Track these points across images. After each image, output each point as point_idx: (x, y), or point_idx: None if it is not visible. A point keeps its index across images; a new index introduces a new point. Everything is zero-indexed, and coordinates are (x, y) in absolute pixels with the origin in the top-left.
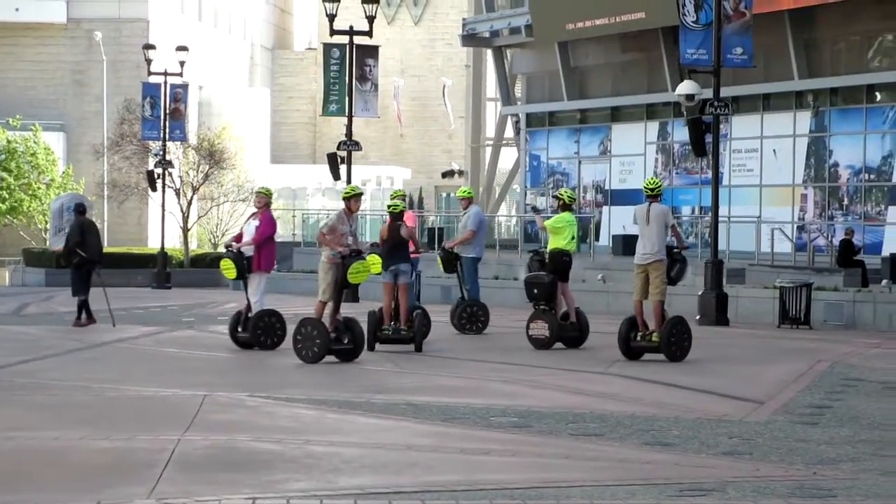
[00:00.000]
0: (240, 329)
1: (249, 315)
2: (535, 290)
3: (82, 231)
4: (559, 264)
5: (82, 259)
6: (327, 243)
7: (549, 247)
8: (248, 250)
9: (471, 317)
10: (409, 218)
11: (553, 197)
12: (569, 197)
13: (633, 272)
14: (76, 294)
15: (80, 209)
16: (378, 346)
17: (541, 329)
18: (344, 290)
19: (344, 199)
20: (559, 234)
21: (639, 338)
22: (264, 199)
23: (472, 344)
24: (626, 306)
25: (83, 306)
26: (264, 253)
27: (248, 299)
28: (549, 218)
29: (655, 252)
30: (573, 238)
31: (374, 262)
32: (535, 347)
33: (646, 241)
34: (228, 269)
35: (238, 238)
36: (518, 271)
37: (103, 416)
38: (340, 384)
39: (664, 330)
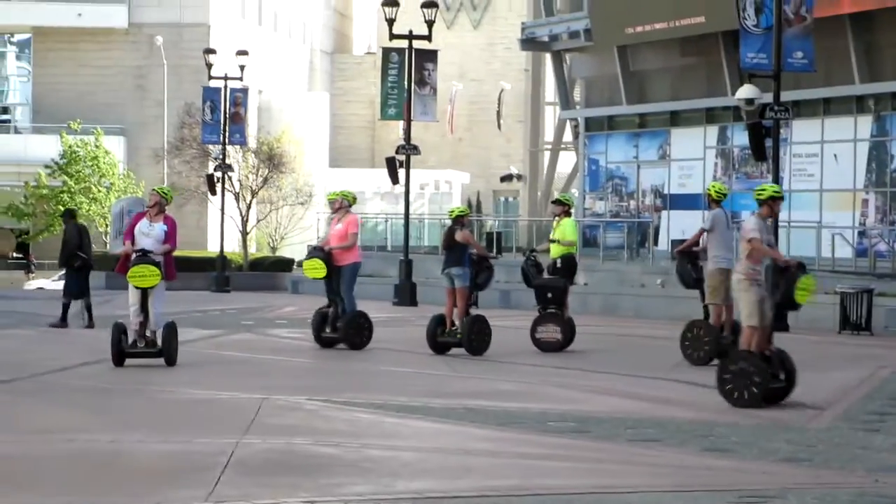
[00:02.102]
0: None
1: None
2: (550, 294)
3: (80, 235)
4: (572, 269)
5: (84, 262)
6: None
7: (555, 251)
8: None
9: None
10: (352, 222)
11: (553, 202)
12: (570, 202)
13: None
14: (74, 297)
15: (71, 214)
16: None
17: (552, 332)
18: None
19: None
20: (566, 239)
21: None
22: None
23: (529, 348)
24: (685, 311)
25: (68, 308)
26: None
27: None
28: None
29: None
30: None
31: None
32: (543, 350)
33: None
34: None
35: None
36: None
37: (161, 419)
38: (398, 388)
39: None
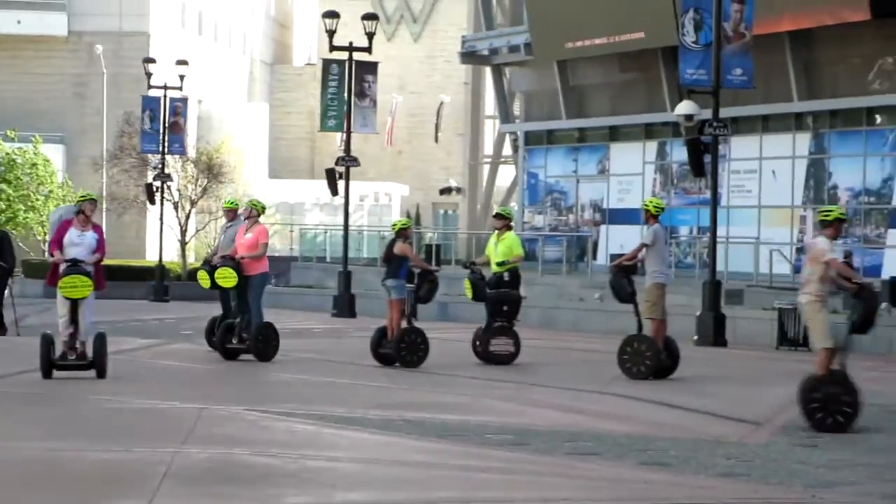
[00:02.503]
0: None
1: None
2: (506, 307)
3: (0, 242)
4: (518, 281)
5: (3, 270)
6: None
7: (496, 263)
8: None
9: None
10: (262, 232)
11: (494, 216)
12: (511, 215)
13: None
14: None
15: None
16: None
17: (506, 345)
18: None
19: None
20: (510, 252)
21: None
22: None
23: (468, 360)
24: (623, 325)
25: None
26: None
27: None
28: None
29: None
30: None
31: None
32: (495, 363)
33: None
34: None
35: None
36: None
37: (100, 427)
38: (337, 399)
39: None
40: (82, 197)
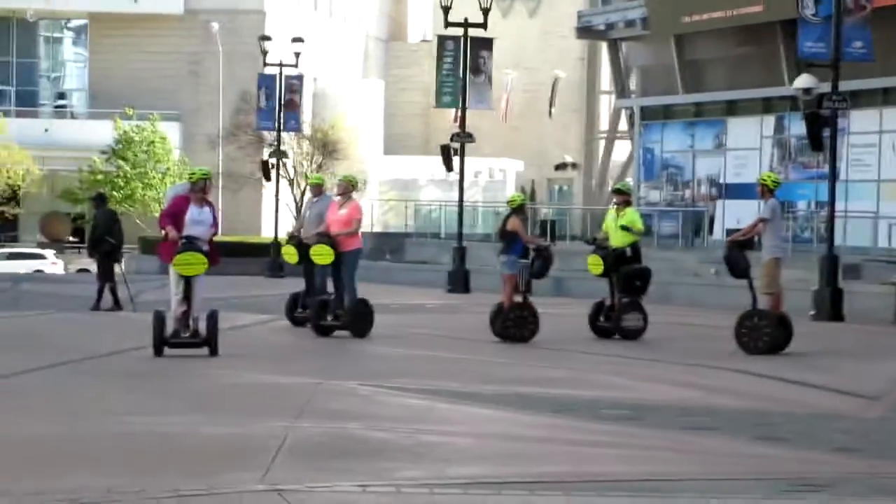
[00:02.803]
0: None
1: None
2: (639, 283)
3: (110, 220)
4: (640, 256)
5: (112, 247)
6: None
7: (621, 240)
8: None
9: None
10: (356, 208)
11: (614, 191)
12: (631, 191)
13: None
14: (105, 281)
15: (102, 199)
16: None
17: (637, 320)
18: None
19: None
20: (636, 227)
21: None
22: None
23: (582, 335)
24: (739, 300)
25: (104, 292)
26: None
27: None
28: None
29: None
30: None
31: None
32: (628, 339)
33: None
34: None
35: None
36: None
37: (214, 402)
38: (450, 374)
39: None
40: (200, 174)
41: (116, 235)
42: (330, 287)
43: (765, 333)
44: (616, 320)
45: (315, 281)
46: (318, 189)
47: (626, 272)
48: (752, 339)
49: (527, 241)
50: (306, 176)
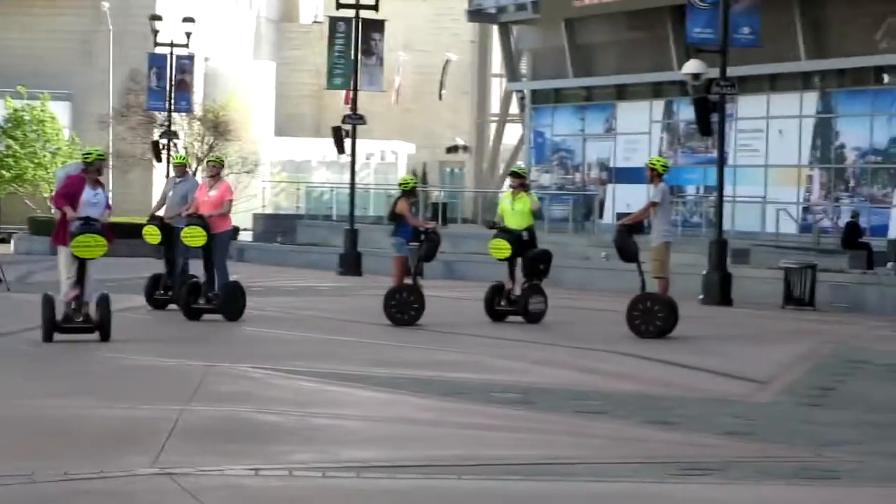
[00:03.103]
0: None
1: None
2: (542, 266)
3: None
4: (535, 240)
5: None
6: None
7: (519, 223)
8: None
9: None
10: (227, 189)
11: (510, 175)
12: (527, 174)
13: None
14: None
15: None
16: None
17: (540, 303)
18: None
19: None
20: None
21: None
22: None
23: (474, 319)
24: (629, 284)
25: None
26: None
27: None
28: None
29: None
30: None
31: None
32: (532, 322)
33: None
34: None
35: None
36: None
37: (106, 385)
38: (343, 357)
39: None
40: (97, 155)
41: None
42: (198, 271)
43: (657, 318)
44: (523, 304)
45: (178, 262)
46: (181, 169)
47: (532, 256)
48: (644, 322)
49: (413, 224)
50: (197, 157)
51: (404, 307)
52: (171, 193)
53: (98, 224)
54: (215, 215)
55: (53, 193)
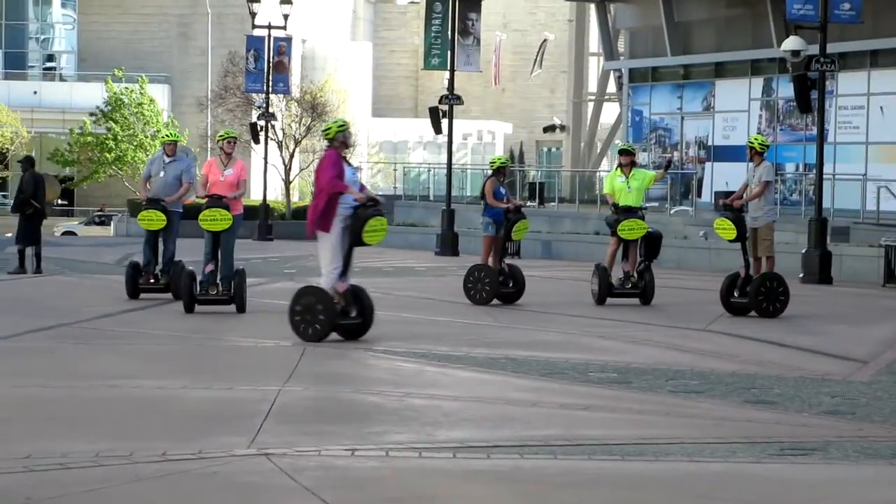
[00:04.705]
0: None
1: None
2: (653, 247)
3: (36, 184)
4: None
5: (36, 210)
6: None
7: (634, 201)
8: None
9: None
10: (244, 168)
11: (620, 152)
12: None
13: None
14: (24, 243)
15: (30, 162)
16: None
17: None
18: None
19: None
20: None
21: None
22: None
23: (571, 299)
24: (727, 263)
25: (25, 254)
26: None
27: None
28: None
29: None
30: None
31: None
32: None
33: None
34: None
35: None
36: None
37: (205, 365)
38: (440, 337)
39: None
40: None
41: (41, 199)
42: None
43: (780, 296)
44: (650, 286)
45: (169, 249)
46: (173, 147)
47: (656, 236)
48: (767, 301)
49: (493, 204)
50: (295, 139)
51: (476, 286)
52: (162, 173)
53: (224, 200)
54: (232, 197)
55: (318, 179)
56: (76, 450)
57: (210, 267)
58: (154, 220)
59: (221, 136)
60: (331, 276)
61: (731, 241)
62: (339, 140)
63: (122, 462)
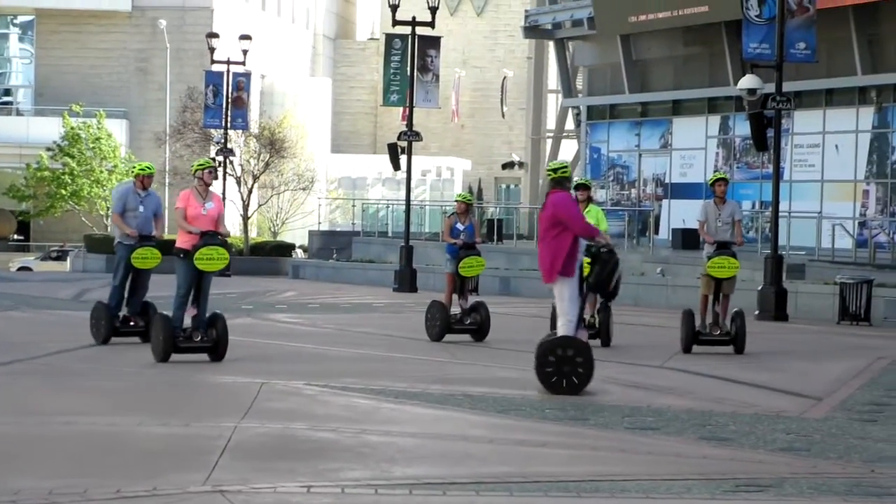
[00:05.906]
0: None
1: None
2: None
3: None
4: None
5: None
6: None
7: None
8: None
9: None
10: (220, 200)
11: (576, 188)
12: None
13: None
14: None
15: None
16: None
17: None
18: None
19: None
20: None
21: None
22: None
23: (528, 336)
24: (684, 299)
25: None
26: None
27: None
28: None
29: None
30: None
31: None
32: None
33: None
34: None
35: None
36: None
37: (160, 402)
38: (397, 374)
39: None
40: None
41: None
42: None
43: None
44: (606, 321)
45: (146, 288)
46: (150, 180)
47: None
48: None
49: (445, 241)
50: (253, 174)
51: (431, 322)
52: (141, 208)
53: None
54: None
55: (569, 221)
56: (28, 486)
57: (193, 311)
58: (149, 258)
59: (201, 164)
60: (571, 324)
61: (726, 279)
62: (569, 181)
63: (75, 500)
